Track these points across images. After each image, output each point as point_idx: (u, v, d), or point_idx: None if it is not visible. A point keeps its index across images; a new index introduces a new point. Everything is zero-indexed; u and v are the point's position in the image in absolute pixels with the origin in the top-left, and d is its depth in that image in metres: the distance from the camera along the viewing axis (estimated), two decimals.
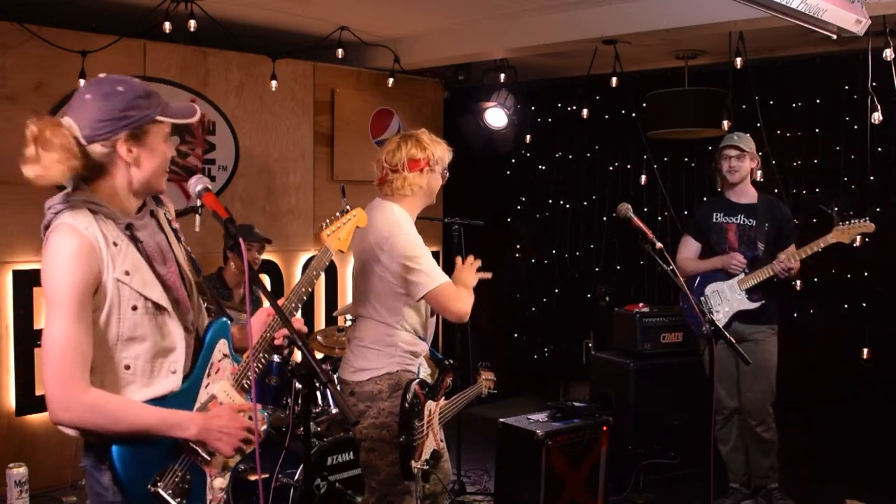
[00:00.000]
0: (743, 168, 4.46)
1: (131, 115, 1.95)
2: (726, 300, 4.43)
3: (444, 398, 3.27)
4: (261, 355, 2.22)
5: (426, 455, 3.12)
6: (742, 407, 4.46)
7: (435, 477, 3.31)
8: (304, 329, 2.27)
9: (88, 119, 1.93)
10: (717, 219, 4.53)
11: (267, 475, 3.71)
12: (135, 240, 2.03)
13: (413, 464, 3.02)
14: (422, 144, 3.15)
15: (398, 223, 3.06)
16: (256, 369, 2.21)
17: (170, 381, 2.04)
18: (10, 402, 4.58)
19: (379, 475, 3.07)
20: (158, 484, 1.99)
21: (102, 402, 1.91)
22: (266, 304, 2.23)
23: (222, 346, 2.19)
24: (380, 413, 3.03)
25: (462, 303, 3.00)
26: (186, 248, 2.24)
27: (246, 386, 2.20)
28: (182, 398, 2.07)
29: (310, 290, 2.39)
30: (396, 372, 3.07)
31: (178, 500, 2.02)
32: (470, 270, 3.14)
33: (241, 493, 3.82)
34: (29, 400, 4.59)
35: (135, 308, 1.97)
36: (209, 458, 2.08)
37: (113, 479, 1.96)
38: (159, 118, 2.00)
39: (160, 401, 2.02)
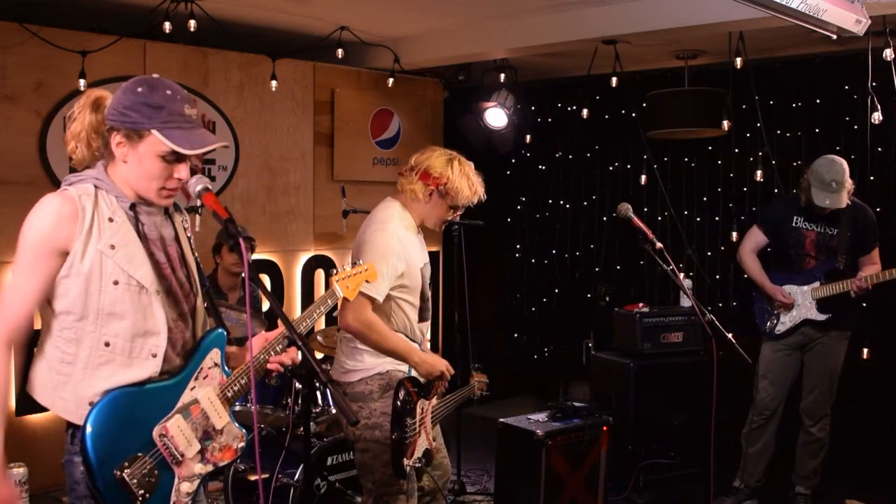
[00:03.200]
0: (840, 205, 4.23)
1: (129, 117, 2.02)
2: (797, 305, 4.37)
3: (437, 398, 3.28)
4: (242, 378, 2.24)
5: (418, 453, 3.12)
6: (804, 408, 4.44)
7: (429, 475, 3.32)
8: (298, 359, 2.27)
9: (110, 104, 2.06)
10: (796, 223, 4.39)
11: (267, 475, 3.71)
12: (136, 220, 2.08)
13: (405, 461, 3.03)
14: (448, 168, 3.10)
15: (387, 220, 3.08)
16: (237, 388, 2.23)
17: (149, 364, 2.06)
18: (11, 402, 4.58)
19: (374, 475, 3.08)
20: (125, 470, 1.99)
21: None
22: (264, 306, 2.25)
23: (215, 355, 2.21)
24: (371, 413, 3.03)
25: (364, 325, 2.93)
26: (196, 256, 2.27)
27: (229, 395, 2.22)
28: (167, 393, 2.09)
29: (311, 325, 2.44)
30: (387, 372, 3.08)
31: (142, 492, 2.01)
32: (437, 364, 3.11)
33: (241, 493, 3.82)
34: (29, 400, 4.56)
35: (116, 283, 2.00)
36: (180, 459, 2.09)
37: (82, 459, 1.96)
38: (154, 133, 2.01)
39: (139, 387, 2.04)
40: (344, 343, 3.16)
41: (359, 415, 3.03)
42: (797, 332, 4.39)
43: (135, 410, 2.03)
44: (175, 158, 2.05)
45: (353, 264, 2.70)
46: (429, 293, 3.29)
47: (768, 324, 4.44)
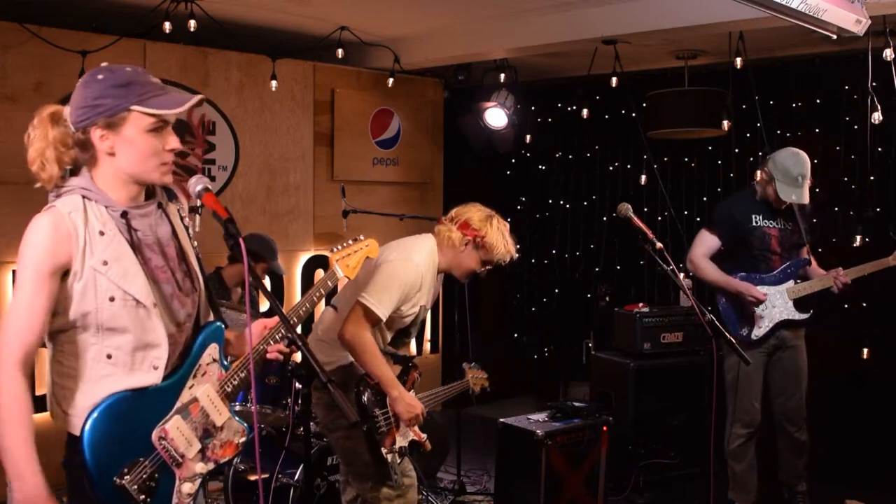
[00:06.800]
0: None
1: (103, 104, 1.95)
2: (772, 306, 4.19)
3: (413, 391, 3.34)
4: (241, 372, 2.19)
5: (402, 442, 3.22)
6: (784, 414, 4.28)
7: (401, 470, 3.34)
8: (288, 350, 2.24)
9: (72, 107, 1.99)
10: (757, 222, 4.21)
11: (267, 475, 3.71)
12: (129, 228, 2.02)
13: (383, 450, 3.13)
14: (487, 223, 3.23)
15: (418, 252, 3.18)
16: (236, 382, 2.19)
17: (150, 376, 2.03)
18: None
19: (362, 458, 3.16)
20: (125, 477, 1.96)
21: (9, 393, 1.88)
22: (263, 307, 2.22)
23: (212, 350, 2.16)
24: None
25: (359, 345, 3.03)
26: (195, 245, 2.22)
27: (229, 391, 2.18)
28: (164, 394, 2.06)
29: (310, 309, 2.41)
30: (350, 364, 3.18)
31: (143, 496, 1.99)
32: (414, 406, 3.15)
33: (241, 493, 3.82)
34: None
35: (112, 299, 1.96)
36: (180, 460, 2.07)
37: (81, 464, 1.94)
38: (134, 108, 1.96)
39: (140, 392, 2.01)
40: (312, 335, 3.32)
41: (331, 405, 3.12)
42: (773, 336, 4.22)
43: (132, 415, 2.00)
44: (161, 129, 2.00)
45: (355, 240, 2.64)
46: (416, 329, 3.41)
47: (743, 330, 4.21)
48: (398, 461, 3.20)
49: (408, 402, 3.15)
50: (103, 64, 2.04)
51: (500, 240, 3.24)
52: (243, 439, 2.21)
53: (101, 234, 1.97)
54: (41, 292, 1.92)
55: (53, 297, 1.94)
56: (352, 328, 3.04)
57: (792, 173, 4.10)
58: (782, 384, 4.28)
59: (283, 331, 2.24)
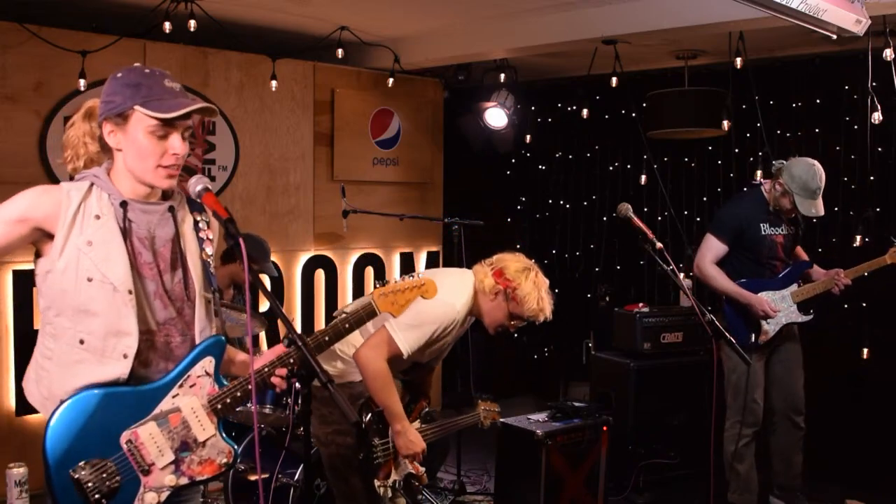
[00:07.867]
0: None
1: (114, 101, 2.04)
2: (779, 311, 4.22)
3: (419, 422, 3.25)
4: (238, 392, 2.14)
5: (398, 476, 3.08)
6: (790, 403, 4.30)
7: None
8: (284, 385, 2.21)
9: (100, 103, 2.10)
10: (765, 231, 4.22)
11: (267, 475, 3.71)
12: (124, 217, 2.05)
13: (376, 482, 3.01)
14: (522, 275, 3.08)
15: (457, 296, 3.04)
16: (229, 401, 2.13)
17: (120, 365, 2.01)
18: (10, 402, 4.58)
19: (352, 484, 3.08)
20: (82, 472, 1.94)
21: None
22: (262, 307, 2.21)
23: (207, 364, 2.12)
24: (341, 419, 3.00)
25: (373, 371, 2.89)
26: (207, 260, 2.18)
27: (219, 408, 2.11)
28: (143, 397, 2.04)
29: (334, 341, 2.33)
30: (359, 382, 3.06)
31: (98, 496, 1.95)
32: (416, 444, 3.02)
33: (241, 493, 3.82)
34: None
35: (90, 280, 1.98)
36: (147, 467, 2.02)
37: (42, 458, 1.93)
38: (137, 108, 2.00)
39: (112, 388, 2.00)
40: None
41: (328, 419, 3.06)
42: (777, 337, 4.27)
43: (104, 412, 1.98)
44: (165, 133, 2.02)
45: (411, 276, 2.41)
46: (437, 362, 3.30)
47: (751, 336, 4.22)
48: (389, 495, 3.07)
49: (410, 438, 3.00)
50: (136, 64, 2.13)
51: (534, 295, 3.07)
52: (226, 461, 2.13)
53: (97, 217, 2.02)
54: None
55: (10, 240, 2.01)
56: (369, 352, 2.90)
57: (811, 187, 4.09)
58: (786, 375, 4.32)
59: (293, 354, 2.18)
